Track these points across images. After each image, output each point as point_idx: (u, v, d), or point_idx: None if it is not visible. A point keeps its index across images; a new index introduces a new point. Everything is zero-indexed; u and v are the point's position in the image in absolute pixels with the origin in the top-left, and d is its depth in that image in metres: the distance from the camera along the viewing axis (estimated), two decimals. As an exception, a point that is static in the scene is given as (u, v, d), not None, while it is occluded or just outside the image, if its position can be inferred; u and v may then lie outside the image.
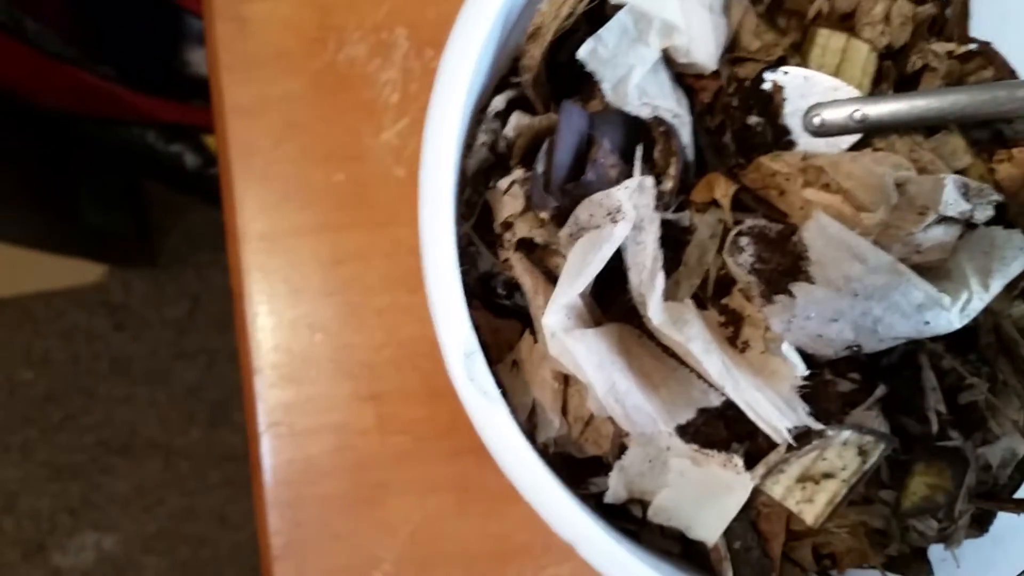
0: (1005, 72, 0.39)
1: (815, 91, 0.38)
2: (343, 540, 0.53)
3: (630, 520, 0.37)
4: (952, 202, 0.33)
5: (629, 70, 0.34)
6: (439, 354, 0.32)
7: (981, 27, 0.40)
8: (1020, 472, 0.37)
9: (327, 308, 0.54)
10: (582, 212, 0.34)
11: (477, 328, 0.38)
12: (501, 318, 0.38)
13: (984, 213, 0.35)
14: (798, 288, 0.32)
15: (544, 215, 0.34)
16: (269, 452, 0.53)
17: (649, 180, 0.33)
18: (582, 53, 0.34)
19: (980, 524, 0.37)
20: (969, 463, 0.36)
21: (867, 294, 0.32)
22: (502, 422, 0.31)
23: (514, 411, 0.35)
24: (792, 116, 0.38)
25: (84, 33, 0.99)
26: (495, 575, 0.53)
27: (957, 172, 0.37)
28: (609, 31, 0.34)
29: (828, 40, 0.38)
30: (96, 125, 1.18)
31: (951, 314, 0.32)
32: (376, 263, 0.54)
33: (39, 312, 1.45)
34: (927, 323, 0.32)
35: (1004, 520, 0.38)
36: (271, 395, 0.53)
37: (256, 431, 0.54)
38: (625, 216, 0.32)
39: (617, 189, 0.32)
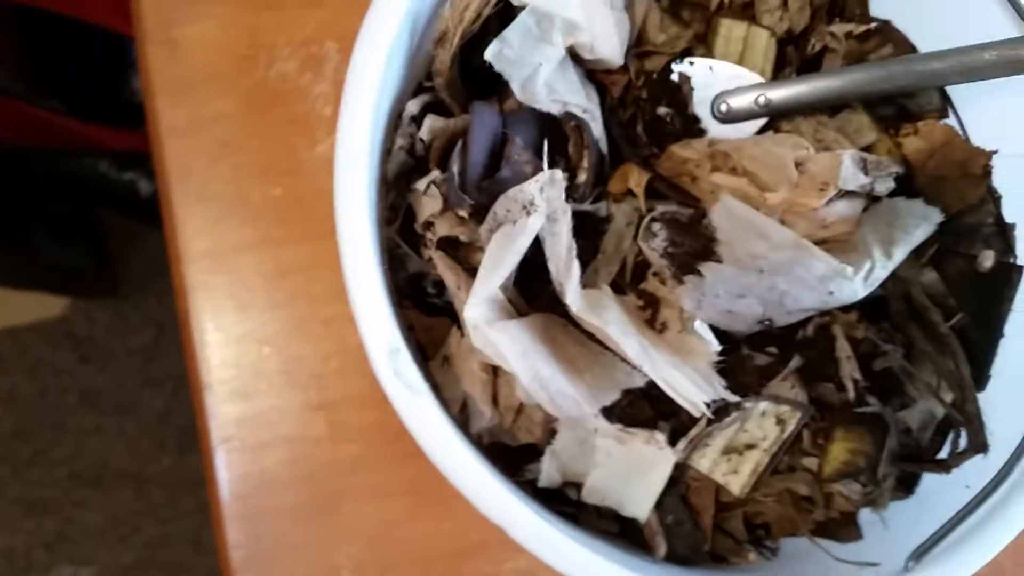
0: (904, 48, 0.40)
1: (720, 80, 0.39)
2: (302, 550, 0.53)
3: (567, 504, 0.38)
4: (851, 176, 0.35)
5: (536, 68, 0.36)
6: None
7: (881, 5, 0.41)
8: (941, 433, 0.38)
9: (274, 322, 0.55)
10: (499, 208, 0.35)
11: (411, 328, 0.39)
12: (432, 316, 0.39)
13: (885, 185, 0.36)
14: (707, 268, 0.34)
15: (463, 213, 0.36)
16: (224, 467, 0.54)
17: (559, 173, 0.34)
18: (489, 55, 0.35)
19: (906, 486, 0.39)
20: (889, 427, 0.37)
21: (772, 270, 0.33)
22: (427, 413, 0.32)
23: (446, 405, 0.36)
24: (700, 105, 0.40)
25: (31, 68, 0.99)
26: (456, 571, 0.54)
27: (863, 148, 0.39)
28: (513, 31, 0.35)
29: (730, 30, 0.39)
30: (48, 158, 1.18)
31: (855, 283, 0.34)
32: (320, 274, 0.55)
33: (3, 349, 1.44)
34: (831, 293, 0.34)
35: (929, 480, 0.39)
36: (222, 411, 0.54)
37: (209, 447, 0.54)
38: (538, 209, 0.33)
39: (529, 183, 0.34)
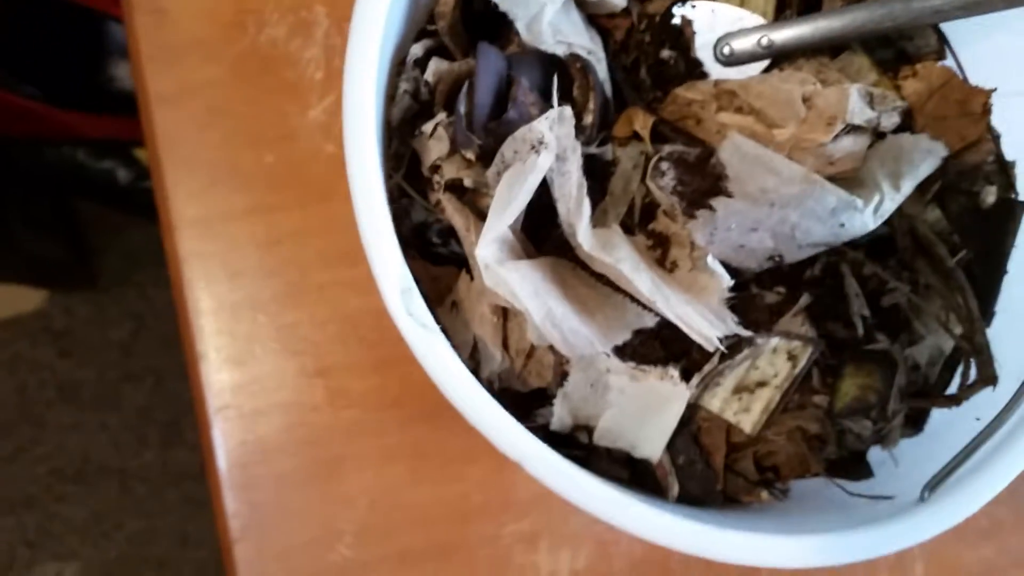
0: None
1: (722, 22, 0.39)
2: (302, 516, 0.53)
3: (578, 448, 0.38)
4: (858, 111, 0.35)
5: (541, 8, 0.35)
6: (385, 324, 0.33)
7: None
8: (949, 369, 0.38)
9: (267, 288, 0.54)
10: (507, 149, 0.35)
11: (417, 279, 0.39)
12: (438, 266, 0.39)
13: (890, 120, 0.36)
14: (718, 203, 0.34)
15: (470, 155, 0.35)
16: (220, 436, 0.53)
17: (568, 110, 0.34)
18: (494, -7, 0.35)
19: (914, 424, 0.39)
20: (898, 364, 0.37)
21: (783, 203, 0.33)
22: (442, 351, 0.32)
23: (457, 350, 0.36)
24: (703, 48, 0.40)
25: (6, 53, 0.98)
26: (457, 536, 0.53)
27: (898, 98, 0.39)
28: (517, -29, 0.35)
29: (732, -28, 0.39)
30: (24, 147, 1.16)
31: (865, 215, 0.34)
32: (313, 240, 0.54)
33: (-21, 344, 1.43)
34: (842, 225, 0.34)
35: (938, 417, 0.39)
36: (217, 379, 0.53)
37: (206, 416, 0.54)
38: (548, 146, 0.33)
39: (539, 121, 0.33)
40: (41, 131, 1.08)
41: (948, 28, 0.41)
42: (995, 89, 0.39)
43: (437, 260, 0.39)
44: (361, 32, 0.33)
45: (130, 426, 1.43)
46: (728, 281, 0.34)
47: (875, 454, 0.39)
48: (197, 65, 0.56)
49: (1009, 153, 0.39)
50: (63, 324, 1.45)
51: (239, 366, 0.54)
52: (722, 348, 0.33)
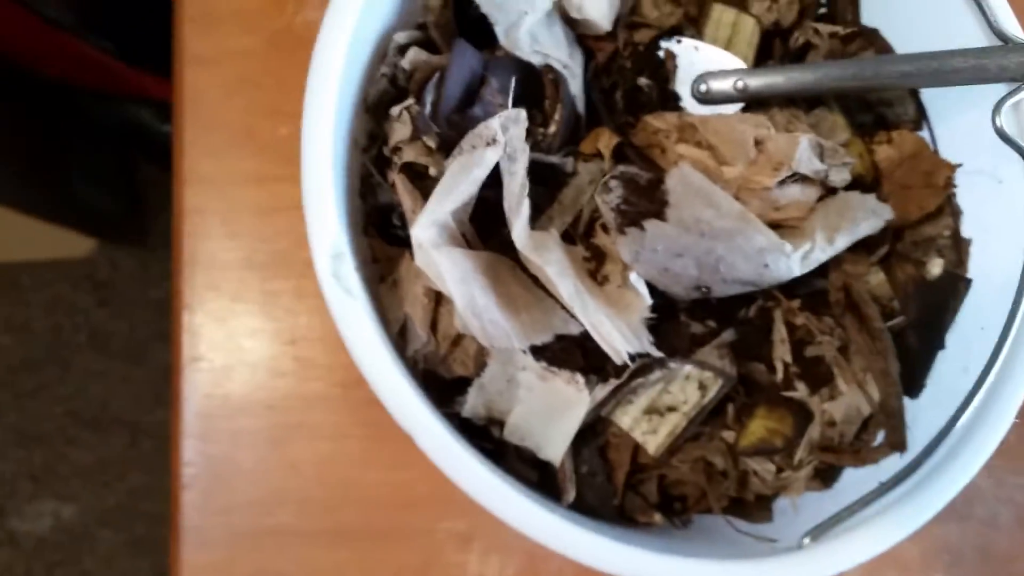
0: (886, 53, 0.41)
1: (703, 61, 0.40)
2: (251, 477, 0.55)
3: (492, 442, 0.39)
4: (806, 160, 0.36)
5: (520, 17, 0.37)
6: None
7: (870, 17, 0.42)
8: (866, 430, 0.39)
9: (260, 253, 0.56)
10: (466, 143, 0.36)
11: (375, 260, 0.41)
12: (394, 247, 0.40)
13: (840, 176, 0.37)
14: (650, 224, 0.35)
15: (430, 142, 0.37)
16: (189, 385, 0.55)
17: (523, 113, 0.35)
18: (478, -3, 0.37)
19: (825, 479, 0.39)
20: (813, 416, 0.38)
21: (713, 235, 0.34)
22: (358, 316, 0.33)
23: (388, 325, 0.37)
24: (682, 83, 0.41)
25: (83, 3, 1.03)
26: (395, 521, 0.54)
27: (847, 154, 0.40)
28: (503, -23, 0.37)
29: (721, 15, 0.41)
30: (92, 99, 1.21)
31: (791, 261, 0.35)
32: (311, 216, 0.57)
33: (24, 280, 1.48)
34: (766, 266, 0.34)
35: (849, 475, 0.39)
36: (198, 331, 0.55)
37: (180, 364, 0.56)
38: (497, 144, 0.35)
39: (493, 119, 0.35)
40: (110, 85, 1.12)
41: (928, 101, 0.41)
42: (960, 164, 0.39)
43: (395, 241, 0.41)
44: (340, 3, 0.35)
45: (151, 383, 1.47)
46: (648, 301, 0.35)
47: (783, 502, 0.39)
48: (233, 34, 0.59)
49: (968, 231, 0.39)
50: (106, 275, 1.50)
51: (219, 322, 0.56)
52: (628, 362, 0.34)
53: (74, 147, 1.30)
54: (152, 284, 1.50)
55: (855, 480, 0.39)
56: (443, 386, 0.39)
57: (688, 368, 0.36)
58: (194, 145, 0.57)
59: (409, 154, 0.37)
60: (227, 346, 0.56)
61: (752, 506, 0.39)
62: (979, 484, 0.55)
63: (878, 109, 0.41)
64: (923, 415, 0.38)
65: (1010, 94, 0.35)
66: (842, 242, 0.36)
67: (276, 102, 0.58)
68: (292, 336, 0.56)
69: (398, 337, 0.38)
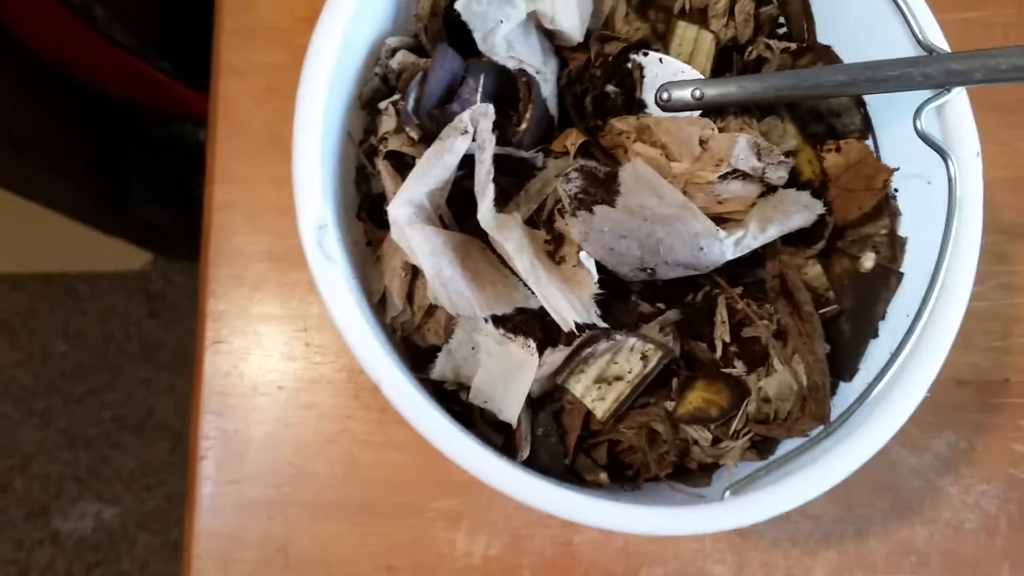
0: (834, 68, 0.45)
1: (667, 72, 0.45)
2: (261, 450, 0.59)
3: (461, 405, 0.43)
4: (743, 157, 0.40)
5: (497, 24, 0.42)
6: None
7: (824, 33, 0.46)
8: (797, 405, 0.42)
9: (279, 248, 0.62)
10: (443, 133, 0.41)
11: (368, 243, 0.45)
12: (383, 229, 0.45)
13: (777, 174, 0.41)
14: (599, 208, 0.39)
15: (413, 134, 0.42)
16: (210, 366, 0.61)
17: (491, 108, 0.40)
18: (459, 5, 0.42)
19: (760, 450, 0.42)
20: (749, 392, 0.41)
21: (655, 219, 0.38)
22: (337, 280, 0.38)
23: (369, 296, 0.42)
24: (648, 92, 0.45)
25: (147, 27, 1.10)
26: (391, 499, 0.59)
27: (786, 153, 0.44)
28: (482, -10, 0.42)
29: (684, 31, 0.45)
30: (152, 118, 1.29)
31: (724, 245, 0.39)
32: (329, 216, 0.62)
33: (82, 290, 1.56)
34: (702, 249, 0.38)
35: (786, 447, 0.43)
36: (221, 316, 0.61)
37: (202, 346, 0.61)
38: (467, 133, 0.39)
39: (465, 112, 0.40)
40: (167, 105, 1.20)
41: (874, 112, 0.45)
42: (897, 169, 0.43)
43: (385, 226, 0.45)
44: (333, 6, 0.40)
45: (195, 393, 1.53)
46: (595, 276, 0.39)
47: (723, 471, 0.43)
48: (265, 48, 0.65)
49: (904, 230, 0.43)
50: (159, 288, 1.58)
51: (240, 309, 0.61)
52: (575, 331, 0.38)
53: (134, 163, 1.38)
54: (202, 299, 1.56)
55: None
56: (419, 354, 0.43)
57: (633, 341, 0.40)
58: (225, 148, 0.63)
59: (394, 143, 0.42)
60: (245, 330, 0.61)
61: (694, 474, 0.42)
62: (947, 490, 0.57)
63: (828, 120, 0.45)
64: (855, 396, 0.41)
65: (931, 99, 0.38)
66: (773, 231, 0.39)
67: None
68: (304, 324, 0.61)
69: (378, 306, 0.42)
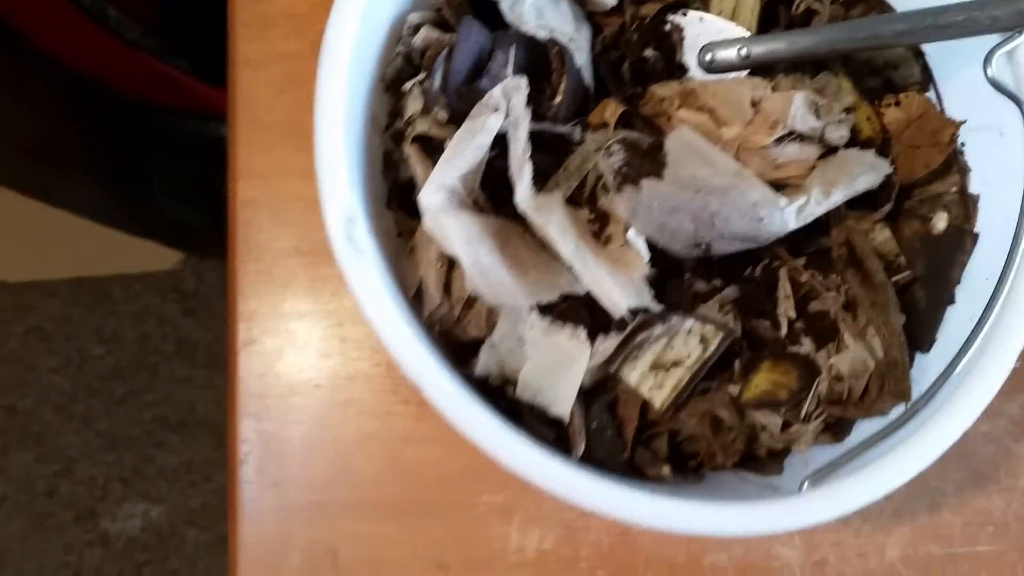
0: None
1: (709, 31, 0.42)
2: (301, 452, 0.57)
3: (507, 401, 0.40)
4: (801, 117, 0.37)
5: (524, -9, 0.39)
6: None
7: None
8: (871, 384, 0.39)
9: (307, 242, 0.59)
10: (474, 112, 0.38)
11: (400, 234, 0.43)
12: (415, 219, 0.42)
13: (838, 133, 0.38)
14: (646, 181, 0.36)
15: (442, 114, 0.39)
16: (244, 367, 0.59)
17: (524, 81, 0.37)
18: (482, -26, 0.39)
19: (835, 432, 0.40)
20: (819, 370, 0.38)
21: (708, 191, 0.36)
22: (370, 274, 0.35)
23: (405, 290, 0.39)
24: (689, 54, 0.42)
25: (161, 26, 1.09)
26: (437, 495, 0.56)
27: (845, 110, 0.40)
28: (507, -45, 0.39)
29: (725, -15, 0.42)
30: (172, 117, 1.27)
31: (785, 214, 0.36)
32: (357, 206, 0.59)
33: (116, 292, 1.56)
34: (761, 219, 0.35)
35: (865, 427, 0.40)
36: (252, 316, 0.59)
37: (235, 347, 0.59)
38: (499, 110, 0.36)
39: (496, 88, 0.37)
40: (186, 103, 1.18)
41: (933, 62, 0.42)
42: (964, 121, 0.39)
43: (416, 215, 0.43)
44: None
45: (235, 389, 1.52)
46: (646, 256, 0.36)
47: (796, 458, 0.40)
48: (282, 37, 0.62)
49: (975, 187, 0.40)
50: (192, 286, 1.57)
51: (270, 307, 0.59)
52: (627, 316, 0.35)
53: (157, 163, 1.37)
54: (235, 295, 1.55)
55: (868, 433, 0.39)
56: (460, 349, 0.41)
57: (690, 322, 0.37)
58: (246, 142, 0.61)
59: (422, 126, 0.39)
60: (278, 329, 0.59)
61: (764, 461, 0.40)
62: (1022, 455, 0.54)
63: (885, 73, 0.42)
64: (934, 368, 0.38)
65: (1001, 43, 0.35)
66: (838, 196, 0.36)
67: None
68: (339, 319, 0.59)
69: (414, 300, 0.40)
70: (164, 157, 1.37)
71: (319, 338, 0.59)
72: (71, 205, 1.19)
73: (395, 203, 0.43)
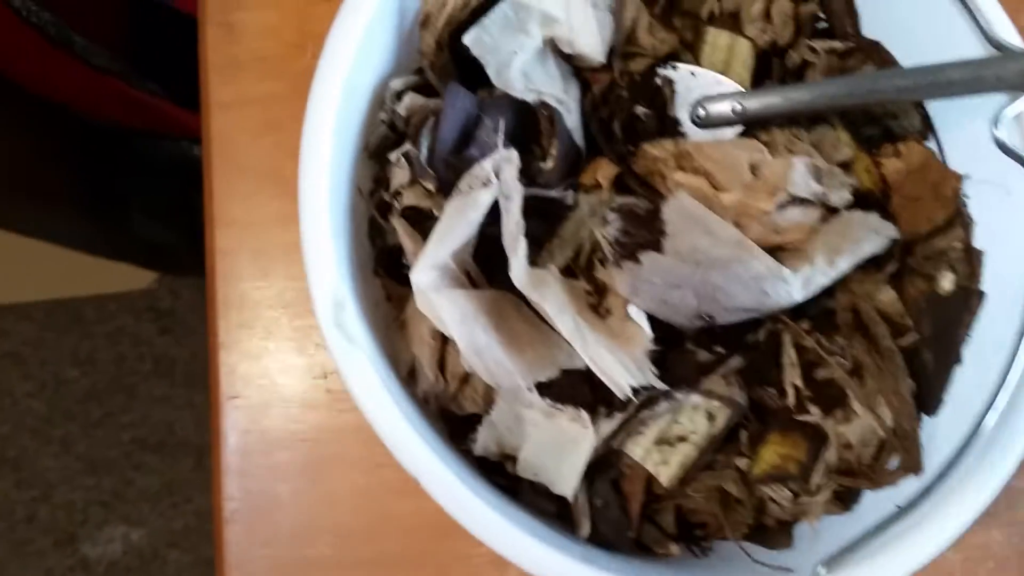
0: (887, 66, 0.41)
1: (701, 86, 0.40)
2: (290, 508, 0.56)
3: (507, 478, 0.39)
4: (802, 183, 0.35)
5: (511, 56, 0.37)
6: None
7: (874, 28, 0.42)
8: (882, 452, 0.38)
9: (290, 291, 0.57)
10: (463, 184, 0.37)
11: (388, 298, 0.41)
12: (404, 286, 0.41)
13: (840, 196, 0.36)
14: (646, 256, 0.35)
15: (429, 186, 0.38)
16: (228, 423, 0.57)
17: (515, 153, 0.36)
18: (467, 40, 0.37)
19: (844, 501, 0.39)
20: (828, 439, 0.37)
21: (709, 264, 0.34)
22: (361, 364, 0.34)
23: (396, 367, 0.38)
24: (681, 109, 0.41)
25: (130, 50, 1.06)
26: (432, 548, 0.55)
27: (839, 164, 0.39)
28: (492, 19, 0.37)
29: (716, 38, 0.40)
30: (145, 139, 1.25)
31: (791, 286, 0.34)
32: (337, 253, 0.58)
33: (89, 314, 1.53)
34: (766, 293, 0.34)
35: (870, 497, 0.39)
36: (233, 369, 0.57)
37: (219, 403, 0.57)
38: (491, 184, 0.35)
39: (486, 160, 0.35)
40: (159, 125, 1.16)
41: (934, 111, 0.41)
42: (967, 175, 0.38)
43: (405, 281, 0.41)
44: (330, 60, 0.36)
45: (214, 408, 1.50)
46: (649, 333, 0.35)
47: (806, 526, 0.39)
48: (257, 79, 0.60)
49: (980, 242, 0.39)
50: (168, 304, 1.55)
51: (253, 360, 0.57)
52: (631, 396, 0.34)
53: (134, 186, 1.34)
54: (211, 311, 1.53)
55: (876, 500, 0.38)
56: (457, 422, 0.39)
57: (695, 398, 0.36)
58: (223, 189, 0.59)
59: (409, 198, 0.38)
60: (261, 382, 0.57)
61: (772, 532, 0.38)
62: (1021, 488, 0.54)
63: (884, 122, 0.41)
64: (942, 431, 0.38)
65: (1009, 104, 0.34)
66: (844, 264, 0.35)
67: (300, 143, 0.59)
68: (323, 370, 0.57)
69: (408, 377, 0.39)
70: (141, 180, 1.34)
71: (304, 390, 0.57)
72: (45, 235, 1.17)
73: (382, 269, 0.41)
